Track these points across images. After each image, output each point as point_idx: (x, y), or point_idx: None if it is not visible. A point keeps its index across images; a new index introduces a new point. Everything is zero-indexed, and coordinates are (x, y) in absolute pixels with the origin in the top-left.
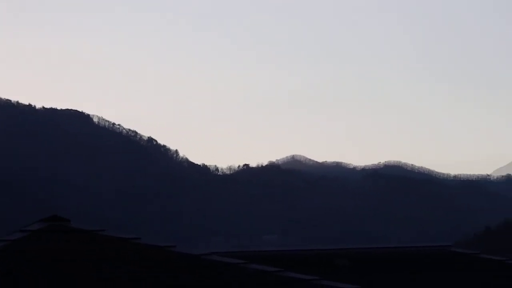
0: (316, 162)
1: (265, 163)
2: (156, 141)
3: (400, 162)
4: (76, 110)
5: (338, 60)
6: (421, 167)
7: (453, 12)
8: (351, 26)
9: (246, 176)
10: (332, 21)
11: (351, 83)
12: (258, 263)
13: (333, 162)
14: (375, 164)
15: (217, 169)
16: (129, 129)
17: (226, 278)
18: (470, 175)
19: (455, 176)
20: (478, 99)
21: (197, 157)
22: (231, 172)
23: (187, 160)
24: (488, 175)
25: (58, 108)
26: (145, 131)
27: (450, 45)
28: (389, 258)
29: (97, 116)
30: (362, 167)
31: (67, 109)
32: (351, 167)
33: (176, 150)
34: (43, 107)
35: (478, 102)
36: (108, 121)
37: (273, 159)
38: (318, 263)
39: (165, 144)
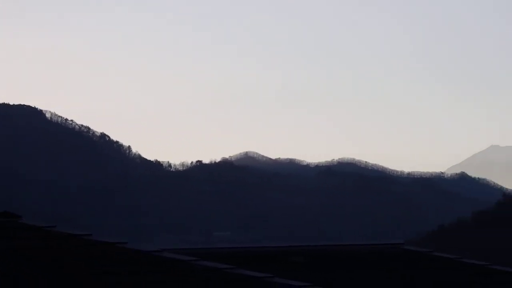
0: (269, 158)
1: (218, 159)
2: (108, 137)
3: (353, 159)
4: (28, 106)
5: (294, 58)
6: (375, 164)
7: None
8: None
9: (199, 172)
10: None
11: (306, 81)
12: (209, 260)
13: (287, 159)
14: (329, 161)
15: (170, 165)
16: (82, 125)
17: (177, 275)
18: (424, 172)
19: (408, 174)
20: (433, 99)
21: (150, 153)
22: (184, 169)
23: (139, 156)
24: (442, 172)
25: (11, 103)
26: (98, 127)
27: (404, 44)
28: (342, 256)
29: (49, 111)
30: (315, 164)
31: (20, 105)
32: (305, 164)
33: (129, 146)
34: None
35: (433, 101)
36: (61, 116)
37: (226, 156)
38: (271, 261)
39: (117, 140)
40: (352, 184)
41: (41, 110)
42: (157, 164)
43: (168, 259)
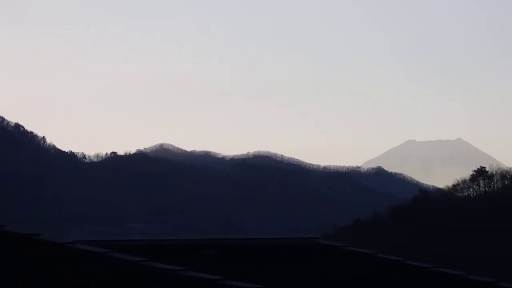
0: (185, 151)
1: (133, 151)
2: (23, 127)
3: (269, 152)
4: None
5: (212, 51)
6: (291, 157)
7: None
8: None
9: (114, 164)
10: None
11: (223, 75)
12: (122, 253)
13: (202, 152)
14: (244, 154)
15: (84, 156)
16: None
17: (89, 267)
18: (340, 166)
19: (325, 168)
20: (349, 93)
21: (64, 144)
22: (99, 160)
23: (54, 147)
24: (359, 167)
25: None
26: (12, 117)
27: (323, 39)
28: (257, 249)
29: None
30: (231, 156)
31: None
32: (220, 156)
33: (44, 137)
34: None
35: (350, 97)
36: None
37: (141, 148)
38: (184, 253)
39: (32, 130)
40: (267, 177)
41: None
42: (71, 155)
43: (81, 251)
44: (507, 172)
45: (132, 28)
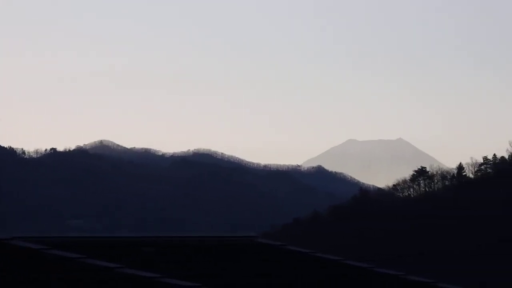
0: (125, 147)
1: (72, 147)
2: None
3: (209, 150)
4: None
5: (147, 44)
6: (231, 156)
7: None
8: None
9: (53, 160)
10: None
11: (161, 70)
12: (60, 249)
13: (142, 148)
14: (184, 152)
15: (24, 152)
16: None
17: (25, 264)
18: (280, 165)
19: (265, 166)
20: (290, 92)
21: (3, 140)
22: (38, 156)
23: None
24: (299, 165)
25: None
26: None
27: (264, 39)
28: (195, 247)
29: None
30: (171, 154)
31: None
32: (160, 154)
33: None
34: None
35: (290, 94)
36: None
37: (81, 144)
38: (123, 251)
39: None
40: (207, 175)
41: None
42: (10, 151)
43: (18, 247)
44: (448, 172)
45: (71, 23)
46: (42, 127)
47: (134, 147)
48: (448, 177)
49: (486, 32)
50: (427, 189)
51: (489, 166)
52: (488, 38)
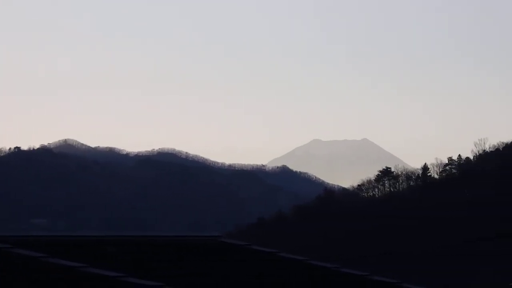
0: (89, 147)
1: (37, 146)
2: None
3: (174, 149)
4: None
5: (110, 44)
6: (196, 155)
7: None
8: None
9: (17, 159)
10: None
11: (123, 70)
12: (23, 248)
13: (106, 148)
14: (149, 151)
15: None
16: None
17: None
18: (245, 165)
19: (229, 166)
20: (255, 92)
21: None
22: (2, 155)
23: None
24: (264, 165)
25: None
26: None
27: (233, 40)
28: (158, 247)
29: None
30: (135, 153)
31: None
32: (124, 153)
33: None
34: None
35: (255, 94)
36: None
37: (45, 143)
38: (86, 250)
39: None
40: (172, 175)
41: None
42: None
43: None
44: (412, 173)
45: (33, 20)
46: (6, 126)
47: (99, 146)
48: (413, 177)
49: (452, 34)
50: (392, 189)
51: (454, 166)
52: (456, 41)
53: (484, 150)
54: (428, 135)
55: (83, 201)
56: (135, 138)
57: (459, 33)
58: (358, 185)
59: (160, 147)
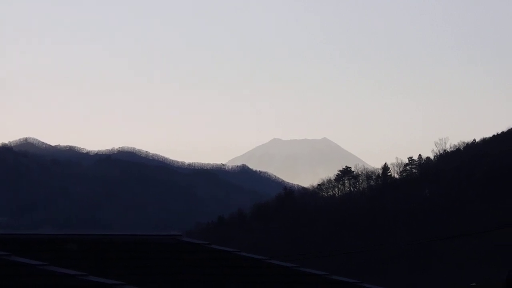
0: (49, 145)
1: None
2: None
3: (134, 148)
4: None
5: (72, 41)
6: (155, 154)
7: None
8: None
9: None
10: None
11: (85, 67)
12: None
13: (66, 146)
14: (109, 150)
15: None
16: None
17: None
18: (204, 164)
19: (189, 165)
20: (215, 91)
21: None
22: None
23: None
24: (223, 164)
25: None
26: None
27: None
28: (118, 245)
29: None
30: (95, 152)
31: None
32: (85, 151)
33: None
34: None
35: (215, 94)
36: None
37: (5, 141)
38: (46, 248)
39: None
40: (131, 173)
41: None
42: None
43: None
44: (373, 172)
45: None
46: None
47: (59, 145)
48: (373, 177)
49: (415, 33)
50: (351, 189)
51: (414, 166)
52: (415, 39)
53: (445, 150)
54: (388, 135)
55: (43, 199)
56: (95, 136)
57: (421, 33)
58: (318, 184)
59: (120, 146)
